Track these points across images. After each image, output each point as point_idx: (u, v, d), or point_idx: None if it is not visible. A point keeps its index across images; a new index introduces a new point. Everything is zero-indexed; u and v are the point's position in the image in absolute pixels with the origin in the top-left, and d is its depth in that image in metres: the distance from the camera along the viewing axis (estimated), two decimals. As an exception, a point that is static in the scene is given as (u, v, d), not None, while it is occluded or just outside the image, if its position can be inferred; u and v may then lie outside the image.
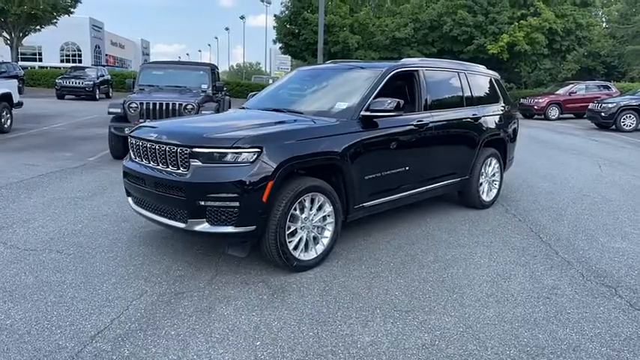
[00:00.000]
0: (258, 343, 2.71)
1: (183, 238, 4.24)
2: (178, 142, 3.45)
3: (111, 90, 25.73)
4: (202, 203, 3.33)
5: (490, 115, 5.68)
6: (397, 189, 4.50)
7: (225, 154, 3.34)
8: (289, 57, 40.02)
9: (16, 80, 12.32)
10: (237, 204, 3.31)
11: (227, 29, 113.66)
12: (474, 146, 5.38)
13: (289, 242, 3.56)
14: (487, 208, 5.67)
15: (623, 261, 4.09)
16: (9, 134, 10.70)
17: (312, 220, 3.72)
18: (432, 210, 5.51)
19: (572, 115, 21.59)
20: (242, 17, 74.93)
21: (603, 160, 9.74)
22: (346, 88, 4.61)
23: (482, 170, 5.57)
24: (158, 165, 3.60)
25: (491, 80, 6.09)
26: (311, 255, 3.75)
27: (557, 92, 22.27)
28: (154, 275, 3.56)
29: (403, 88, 4.90)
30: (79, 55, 60.40)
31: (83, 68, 26.53)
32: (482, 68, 6.11)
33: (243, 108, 5.00)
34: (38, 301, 3.09)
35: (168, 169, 3.51)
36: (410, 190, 4.65)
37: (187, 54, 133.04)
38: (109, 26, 70.16)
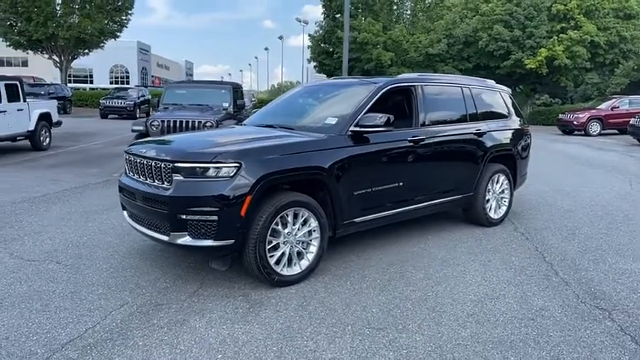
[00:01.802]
0: (219, 356, 2.72)
1: (177, 252, 4.33)
2: (162, 157, 3.56)
3: (151, 109, 26.79)
4: (184, 217, 3.41)
5: (497, 131, 5.54)
6: (391, 205, 4.44)
7: (207, 168, 3.42)
8: (325, 76, 40.45)
9: (55, 101, 13.04)
10: (215, 218, 3.37)
11: (266, 49, 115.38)
12: (478, 162, 5.24)
13: (270, 257, 3.58)
14: (495, 226, 5.49)
15: (627, 283, 3.85)
16: (47, 152, 11.31)
17: (295, 235, 3.72)
18: (436, 227, 5.39)
19: (615, 131, 20.61)
20: (280, 37, 76.82)
21: (637, 177, 9.25)
22: (340, 104, 4.63)
23: (489, 187, 5.42)
24: (147, 180, 3.73)
25: (500, 95, 5.95)
26: (295, 270, 3.74)
27: (599, 107, 21.39)
28: (140, 287, 3.65)
29: (400, 103, 4.85)
30: (127, 77, 63.51)
31: (125, 89, 27.90)
32: (490, 83, 5.99)
33: (244, 124, 5.11)
34: (24, 309, 3.24)
35: (155, 184, 3.62)
36: (406, 207, 4.58)
37: (229, 74, 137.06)
38: (156, 49, 73.52)
